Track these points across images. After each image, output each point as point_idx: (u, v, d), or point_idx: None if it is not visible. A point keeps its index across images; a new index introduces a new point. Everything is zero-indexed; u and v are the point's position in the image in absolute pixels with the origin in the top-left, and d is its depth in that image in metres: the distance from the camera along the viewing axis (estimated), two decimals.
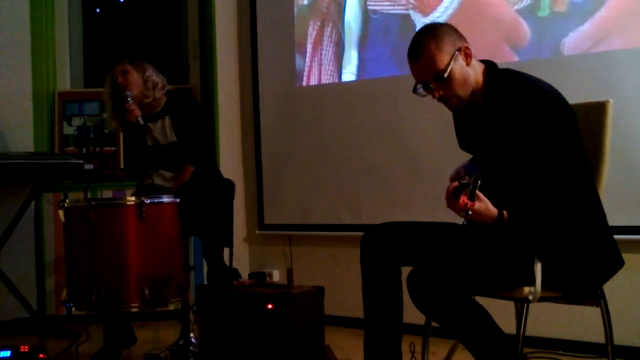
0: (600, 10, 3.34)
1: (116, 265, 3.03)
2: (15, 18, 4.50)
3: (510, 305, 2.43)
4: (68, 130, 4.71)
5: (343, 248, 4.21)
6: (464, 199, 1.97)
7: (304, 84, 4.44)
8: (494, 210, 2.04)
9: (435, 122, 3.75)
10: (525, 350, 2.13)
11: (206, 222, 3.30)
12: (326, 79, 4.34)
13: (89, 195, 4.30)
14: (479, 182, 1.98)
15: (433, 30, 2.21)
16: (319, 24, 4.36)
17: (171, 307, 3.57)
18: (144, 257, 3.06)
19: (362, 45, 4.19)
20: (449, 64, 2.16)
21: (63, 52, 4.87)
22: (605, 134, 2.27)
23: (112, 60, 3.75)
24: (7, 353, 2.86)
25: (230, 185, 3.56)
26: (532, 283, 2.09)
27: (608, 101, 2.29)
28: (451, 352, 2.60)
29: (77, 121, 4.72)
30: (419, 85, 2.25)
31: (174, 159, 3.54)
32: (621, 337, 2.94)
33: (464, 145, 2.45)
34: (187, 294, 3.20)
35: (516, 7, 3.59)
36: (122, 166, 4.68)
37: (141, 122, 3.45)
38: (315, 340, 2.88)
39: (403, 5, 4.00)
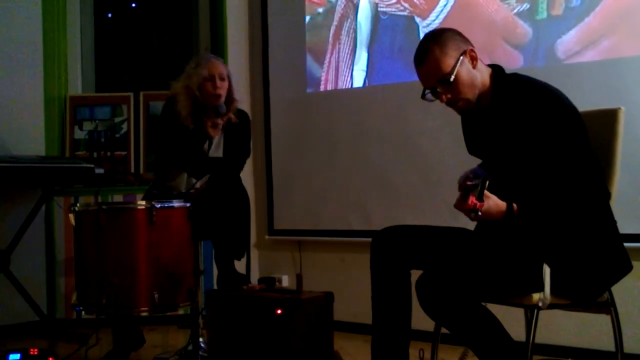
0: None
1: (126, 269, 3.04)
2: (28, 23, 4.53)
3: (520, 313, 2.43)
4: (79, 134, 4.73)
5: (352, 254, 4.21)
6: (472, 199, 1.98)
7: (322, 88, 4.45)
8: (502, 204, 2.05)
9: (444, 128, 3.75)
10: (535, 358, 2.12)
11: (221, 227, 3.27)
12: (342, 80, 4.35)
13: (100, 199, 4.29)
14: (487, 182, 2.00)
15: (437, 36, 2.24)
16: (335, 24, 4.37)
17: (180, 312, 3.56)
18: (153, 262, 3.06)
19: (372, 45, 4.22)
20: (454, 67, 2.17)
21: (75, 57, 4.88)
22: (617, 141, 2.26)
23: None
24: (17, 356, 2.86)
25: (247, 195, 3.50)
26: (541, 289, 2.08)
27: (620, 108, 2.28)
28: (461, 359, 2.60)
29: (88, 125, 4.74)
30: (427, 91, 2.26)
31: (216, 173, 3.41)
32: (632, 346, 2.92)
33: (472, 150, 2.46)
34: (197, 299, 3.20)
35: (514, 10, 3.62)
36: (132, 170, 4.69)
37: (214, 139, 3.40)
38: (324, 345, 2.88)
39: (406, 9, 4.04)
